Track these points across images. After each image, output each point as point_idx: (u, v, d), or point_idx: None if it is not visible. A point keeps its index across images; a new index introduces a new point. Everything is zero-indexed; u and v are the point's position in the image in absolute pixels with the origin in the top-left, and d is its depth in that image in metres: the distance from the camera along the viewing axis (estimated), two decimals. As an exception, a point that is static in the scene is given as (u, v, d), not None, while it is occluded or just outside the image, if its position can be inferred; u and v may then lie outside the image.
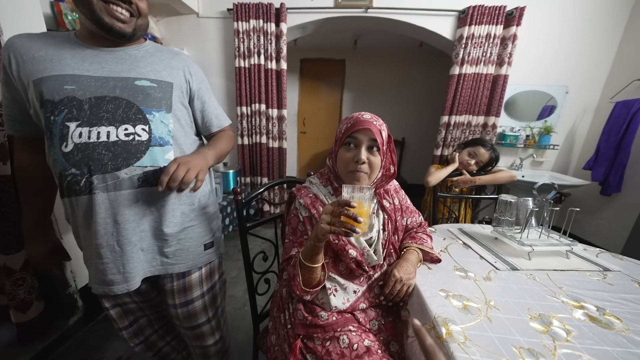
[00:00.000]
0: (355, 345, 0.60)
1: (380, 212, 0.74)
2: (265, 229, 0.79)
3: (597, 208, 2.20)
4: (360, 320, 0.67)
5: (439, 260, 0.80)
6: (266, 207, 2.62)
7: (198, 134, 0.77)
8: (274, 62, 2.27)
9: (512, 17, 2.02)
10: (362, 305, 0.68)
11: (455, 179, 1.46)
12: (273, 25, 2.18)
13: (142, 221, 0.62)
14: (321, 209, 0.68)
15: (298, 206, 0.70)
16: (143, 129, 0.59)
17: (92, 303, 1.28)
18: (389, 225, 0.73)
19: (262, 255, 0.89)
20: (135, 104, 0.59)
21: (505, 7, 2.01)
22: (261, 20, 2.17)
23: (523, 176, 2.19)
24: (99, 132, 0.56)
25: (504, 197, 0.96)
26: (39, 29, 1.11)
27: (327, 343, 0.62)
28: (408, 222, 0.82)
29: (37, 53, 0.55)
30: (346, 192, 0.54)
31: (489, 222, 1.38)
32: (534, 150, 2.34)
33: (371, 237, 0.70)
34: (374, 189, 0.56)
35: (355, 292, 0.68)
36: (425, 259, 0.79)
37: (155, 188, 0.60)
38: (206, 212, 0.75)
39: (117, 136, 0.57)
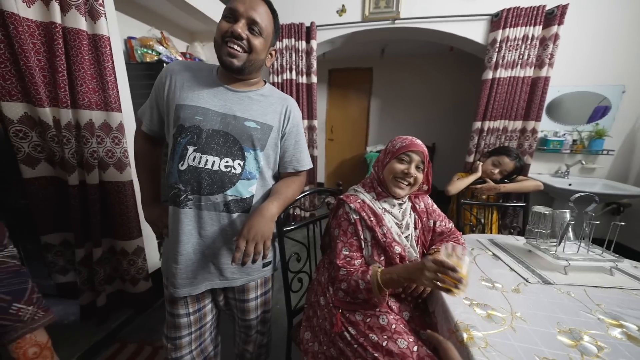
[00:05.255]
0: (394, 326, 0.67)
1: (412, 212, 0.86)
2: (296, 232, 0.87)
3: (667, 221, 1.93)
4: (394, 308, 0.74)
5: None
6: (297, 212, 2.75)
7: None
8: (304, 76, 2.42)
9: (552, 16, 1.91)
10: (391, 304, 0.75)
11: (478, 186, 1.46)
12: (304, 42, 2.34)
13: (217, 239, 0.72)
14: (370, 212, 0.78)
15: (349, 210, 0.79)
16: (239, 164, 0.70)
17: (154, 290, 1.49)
18: (420, 224, 0.85)
19: (297, 256, 0.99)
20: (239, 142, 0.70)
21: (544, 6, 1.91)
22: (293, 39, 2.34)
23: (570, 184, 2.02)
24: (207, 160, 0.67)
25: (538, 208, 0.94)
26: (120, 61, 1.37)
27: (368, 319, 0.70)
28: (436, 225, 0.88)
29: (186, 82, 0.69)
30: (445, 253, 0.61)
31: (521, 233, 1.33)
32: (583, 156, 2.13)
33: (408, 235, 0.81)
34: (471, 256, 0.65)
35: None
36: None
37: (232, 215, 0.71)
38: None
39: (219, 166, 0.68)
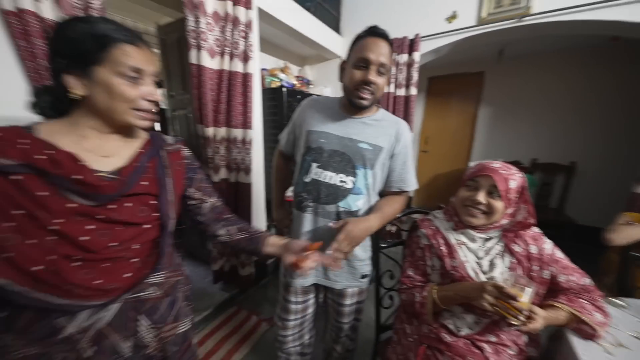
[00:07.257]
0: None
1: (505, 255, 0.73)
2: (392, 249, 0.91)
3: None
4: (490, 359, 0.66)
5: (593, 336, 0.63)
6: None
7: None
8: (403, 89, 2.38)
9: None
10: (492, 338, 0.68)
11: None
12: (406, 55, 2.31)
13: (327, 243, 0.75)
14: (442, 242, 0.77)
15: (420, 235, 0.82)
16: (351, 180, 0.81)
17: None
18: (521, 271, 0.71)
19: (390, 273, 1.01)
20: (353, 161, 0.80)
21: None
22: (394, 54, 2.35)
23: None
24: (326, 175, 0.80)
25: None
26: (257, 90, 1.77)
27: None
28: (562, 279, 0.71)
29: (316, 113, 0.87)
30: (511, 280, 0.62)
31: None
32: None
33: (493, 278, 0.71)
34: (534, 286, 0.61)
35: (477, 322, 0.70)
36: (577, 327, 0.65)
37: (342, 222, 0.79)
38: (367, 244, 0.90)
39: (335, 181, 0.80)
